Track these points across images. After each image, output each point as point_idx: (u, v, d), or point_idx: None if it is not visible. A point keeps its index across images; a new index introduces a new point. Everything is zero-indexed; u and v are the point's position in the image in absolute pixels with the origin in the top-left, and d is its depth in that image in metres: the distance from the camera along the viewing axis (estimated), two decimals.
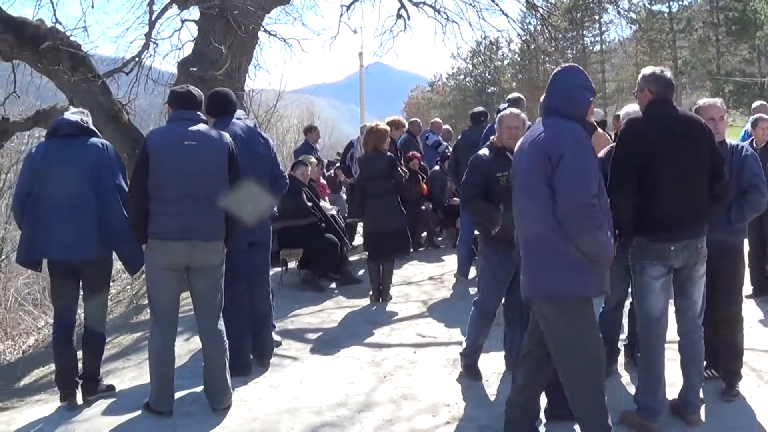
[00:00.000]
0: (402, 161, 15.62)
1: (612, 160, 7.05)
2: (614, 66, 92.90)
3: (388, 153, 12.65)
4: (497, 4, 20.04)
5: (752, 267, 11.86)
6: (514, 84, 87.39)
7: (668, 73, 7.07)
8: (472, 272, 13.30)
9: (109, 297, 9.11)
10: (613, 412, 7.10)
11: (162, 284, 7.42)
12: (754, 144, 11.58)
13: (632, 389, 7.83)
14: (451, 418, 7.62)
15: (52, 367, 9.26)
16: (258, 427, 7.37)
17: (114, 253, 8.16)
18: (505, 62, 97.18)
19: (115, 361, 9.80)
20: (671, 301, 7.03)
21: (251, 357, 9.04)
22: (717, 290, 7.41)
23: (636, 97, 7.20)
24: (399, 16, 19.88)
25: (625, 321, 8.73)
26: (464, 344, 8.82)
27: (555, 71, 6.29)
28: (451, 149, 16.42)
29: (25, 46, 14.31)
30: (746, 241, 9.37)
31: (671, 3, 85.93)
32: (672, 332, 7.20)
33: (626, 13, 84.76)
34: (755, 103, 14.39)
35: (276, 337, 9.74)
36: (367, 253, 12.89)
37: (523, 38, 34.62)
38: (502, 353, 8.88)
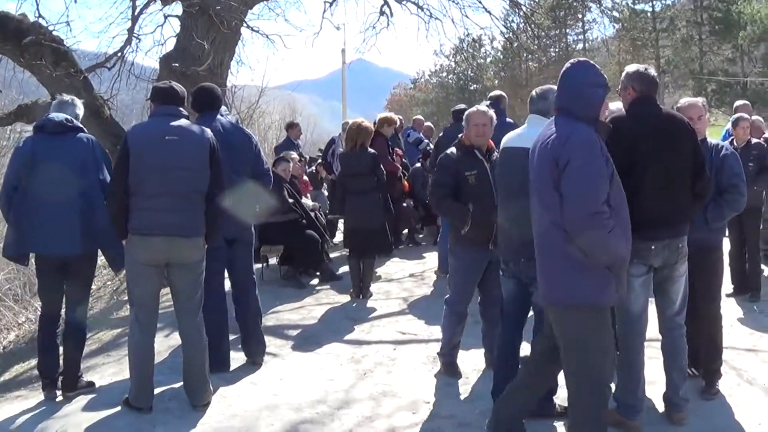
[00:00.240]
0: (393, 157, 15.67)
1: None
2: (597, 64, 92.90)
3: (371, 150, 12.66)
4: (480, 2, 19.90)
5: (732, 266, 11.94)
6: (496, 82, 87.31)
7: (652, 71, 7.06)
8: None
9: (90, 293, 9.07)
10: None
11: (142, 280, 7.42)
12: (735, 143, 11.63)
13: (611, 387, 7.87)
14: (431, 415, 7.63)
15: (33, 362, 9.26)
16: (237, 423, 7.37)
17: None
18: (488, 60, 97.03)
19: (95, 357, 9.78)
20: (652, 300, 7.06)
21: (248, 355, 9.10)
22: (696, 288, 7.42)
23: (620, 95, 7.19)
24: (382, 12, 19.87)
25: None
26: (440, 344, 8.85)
27: (565, 67, 6.12)
28: (432, 146, 16.44)
29: (7, 41, 14.25)
30: (727, 240, 9.42)
31: (654, 2, 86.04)
32: (652, 331, 7.23)
33: (609, 11, 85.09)
34: (737, 103, 14.43)
35: None
36: (347, 250, 12.89)
37: (506, 36, 34.70)
38: (482, 350, 8.91)
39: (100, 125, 14.48)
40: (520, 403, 6.72)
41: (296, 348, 9.92)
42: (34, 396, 8.25)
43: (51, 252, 7.94)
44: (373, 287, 12.92)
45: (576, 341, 5.93)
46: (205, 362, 7.70)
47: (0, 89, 17.18)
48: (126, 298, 8.84)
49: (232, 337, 9.10)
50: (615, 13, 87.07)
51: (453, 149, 8.53)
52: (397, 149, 17.01)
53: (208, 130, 7.67)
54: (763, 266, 12.55)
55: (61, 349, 8.17)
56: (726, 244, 9.53)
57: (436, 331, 8.99)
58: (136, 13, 15.39)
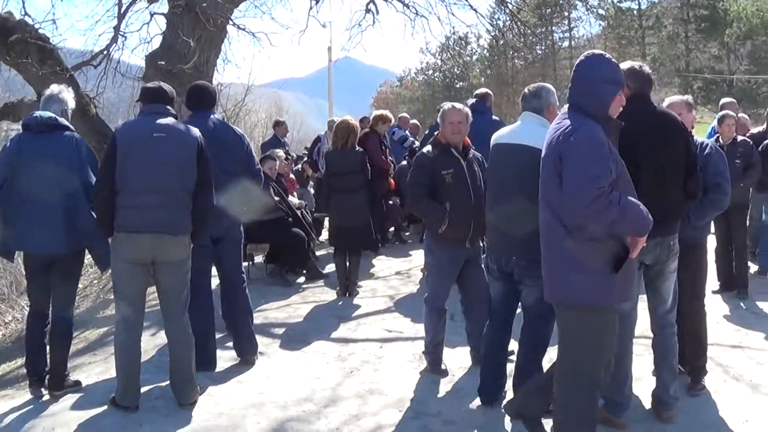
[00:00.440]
0: (386, 155, 15.67)
1: None
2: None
3: (359, 148, 12.67)
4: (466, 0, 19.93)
5: (718, 263, 11.99)
6: (482, 79, 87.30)
7: (647, 69, 7.06)
8: None
9: (77, 291, 9.07)
10: None
11: (128, 279, 7.41)
12: (720, 141, 11.67)
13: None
14: (417, 413, 7.64)
15: (19, 362, 9.25)
16: (224, 422, 7.37)
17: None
18: (474, 57, 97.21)
19: (81, 356, 9.76)
20: (642, 297, 7.08)
21: (239, 354, 9.11)
22: (681, 285, 7.43)
23: None
24: (368, 10, 19.83)
25: None
26: (424, 342, 8.88)
27: (579, 60, 6.00)
28: (418, 144, 16.46)
29: None
30: (712, 237, 9.45)
31: (641, 0, 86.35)
32: (639, 328, 7.26)
33: (595, 9, 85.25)
34: (723, 100, 14.50)
35: None
36: (333, 248, 12.91)
37: (492, 34, 34.80)
38: (468, 348, 8.93)
39: (86, 123, 14.46)
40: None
41: (283, 346, 9.92)
42: (21, 395, 8.23)
43: (36, 251, 7.97)
44: (359, 285, 12.93)
45: (573, 340, 5.92)
46: (191, 361, 7.69)
47: None
48: (113, 296, 8.83)
49: (218, 335, 9.11)
50: (601, 11, 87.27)
51: (429, 148, 8.53)
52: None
53: (196, 129, 7.67)
54: (749, 263, 12.57)
55: (48, 348, 8.17)
56: (711, 241, 9.57)
57: (423, 329, 8.99)
58: (122, 11, 15.38)
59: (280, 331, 10.61)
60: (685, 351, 7.85)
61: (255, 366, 9.00)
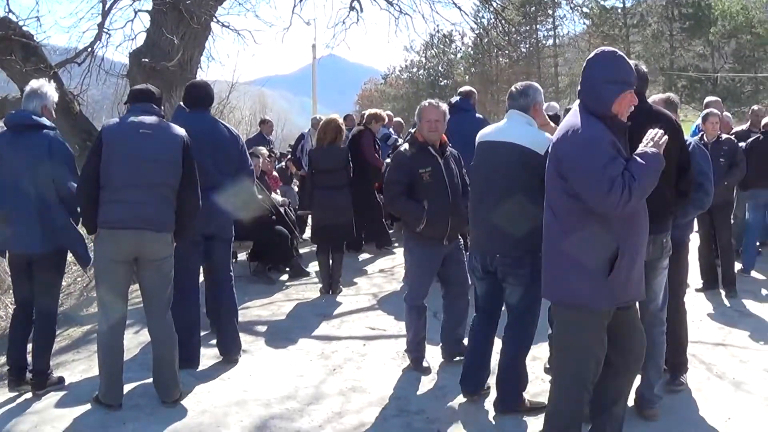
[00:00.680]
0: (379, 153, 15.64)
1: None
2: (567, 60, 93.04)
3: (342, 146, 12.69)
4: None
5: (702, 261, 12.02)
6: (467, 77, 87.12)
7: (643, 67, 7.06)
8: None
9: (60, 289, 9.06)
10: None
11: (111, 277, 7.42)
12: (705, 139, 11.71)
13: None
14: (400, 410, 7.66)
15: (1, 360, 9.22)
16: (207, 419, 7.38)
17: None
18: (458, 56, 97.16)
19: (65, 354, 9.74)
20: None
21: (223, 353, 9.10)
22: None
23: None
24: (352, 8, 19.86)
25: None
26: (406, 340, 8.91)
27: (588, 57, 6.00)
28: (402, 141, 16.47)
29: None
30: (696, 236, 9.48)
31: None
32: None
33: (579, 7, 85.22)
34: (708, 99, 14.53)
35: None
36: (316, 246, 12.91)
37: (477, 32, 34.76)
38: (464, 343, 8.93)
39: (69, 121, 14.45)
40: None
41: (266, 344, 9.92)
42: (4, 393, 8.20)
43: (14, 250, 8.06)
44: (343, 283, 12.92)
45: (564, 339, 5.96)
46: (174, 358, 7.71)
47: None
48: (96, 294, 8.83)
49: (201, 333, 9.10)
50: (585, 9, 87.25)
51: (406, 146, 8.56)
52: None
53: (182, 129, 7.71)
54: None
55: (30, 346, 8.17)
56: (694, 240, 9.60)
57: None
58: (106, 8, 15.41)
59: (264, 328, 10.61)
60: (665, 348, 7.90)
61: (238, 364, 8.99)
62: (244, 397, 7.96)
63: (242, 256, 14.30)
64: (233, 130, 9.22)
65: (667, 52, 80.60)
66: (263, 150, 15.13)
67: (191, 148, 7.61)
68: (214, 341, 9.24)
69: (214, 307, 9.19)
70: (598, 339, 5.85)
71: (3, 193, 7.86)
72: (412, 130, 13.31)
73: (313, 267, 13.84)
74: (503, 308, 7.70)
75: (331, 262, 12.61)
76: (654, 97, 7.94)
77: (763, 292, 12.37)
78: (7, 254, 8.22)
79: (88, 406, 7.58)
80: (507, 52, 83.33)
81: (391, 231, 17.93)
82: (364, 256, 15.76)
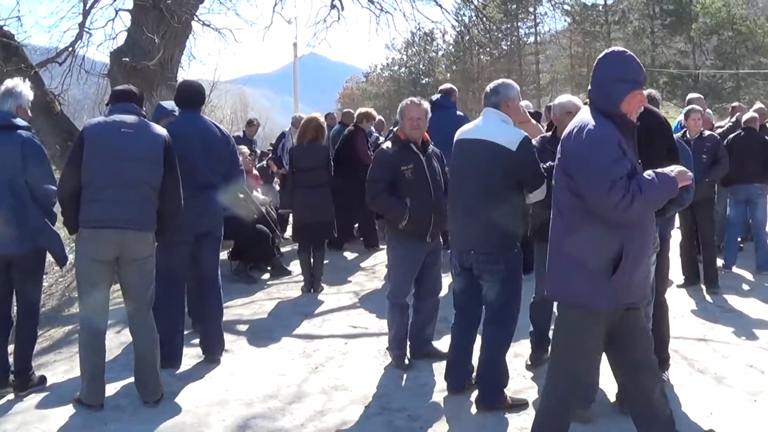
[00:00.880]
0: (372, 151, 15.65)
1: None
2: (548, 58, 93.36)
3: (324, 144, 12.70)
4: None
5: (683, 257, 12.06)
6: (448, 75, 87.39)
7: None
8: None
9: (41, 290, 9.05)
10: None
11: (92, 277, 7.41)
12: (688, 135, 11.76)
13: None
14: (382, 408, 7.67)
15: None
16: (189, 419, 7.38)
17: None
18: (440, 53, 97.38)
19: (46, 355, 9.73)
20: None
21: (205, 352, 9.08)
22: None
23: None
24: (333, 6, 19.83)
25: (555, 311, 8.82)
26: (388, 338, 8.93)
27: (599, 57, 5.97)
28: (383, 139, 16.47)
29: None
30: (677, 232, 9.50)
31: None
32: None
33: (560, 4, 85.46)
34: (690, 95, 14.58)
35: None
36: (298, 245, 12.91)
37: (458, 29, 34.76)
38: (434, 343, 8.98)
39: (50, 121, 14.41)
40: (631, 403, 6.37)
41: (247, 343, 9.91)
42: None
43: None
44: (324, 281, 12.93)
45: (563, 338, 5.93)
46: (156, 359, 7.71)
47: None
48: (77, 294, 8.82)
49: (184, 332, 9.09)
50: (566, 6, 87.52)
51: (389, 144, 8.59)
52: None
53: (163, 129, 7.76)
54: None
55: (12, 347, 8.15)
56: (676, 235, 9.64)
57: (387, 325, 9.03)
58: (87, 8, 15.38)
59: (245, 327, 10.60)
60: None
61: (220, 363, 8.98)
62: (225, 396, 7.96)
63: (223, 255, 14.22)
64: (224, 130, 9.24)
65: (648, 49, 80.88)
66: (244, 149, 15.09)
67: (172, 148, 7.62)
68: (195, 341, 9.23)
69: (199, 307, 9.18)
70: (595, 340, 5.82)
71: None
72: (395, 129, 13.36)
73: (295, 266, 13.83)
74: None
75: (312, 260, 12.61)
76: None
77: (745, 287, 12.46)
78: None
79: (70, 407, 7.56)
80: (488, 49, 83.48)
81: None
82: (346, 254, 15.78)
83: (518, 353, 8.79)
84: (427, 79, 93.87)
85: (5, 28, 14.71)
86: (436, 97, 12.40)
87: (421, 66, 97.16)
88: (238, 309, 11.51)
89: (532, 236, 8.34)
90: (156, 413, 7.48)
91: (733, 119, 14.98)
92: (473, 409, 7.45)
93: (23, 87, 8.30)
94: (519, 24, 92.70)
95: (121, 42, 15.96)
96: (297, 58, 53.42)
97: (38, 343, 8.89)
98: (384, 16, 20.17)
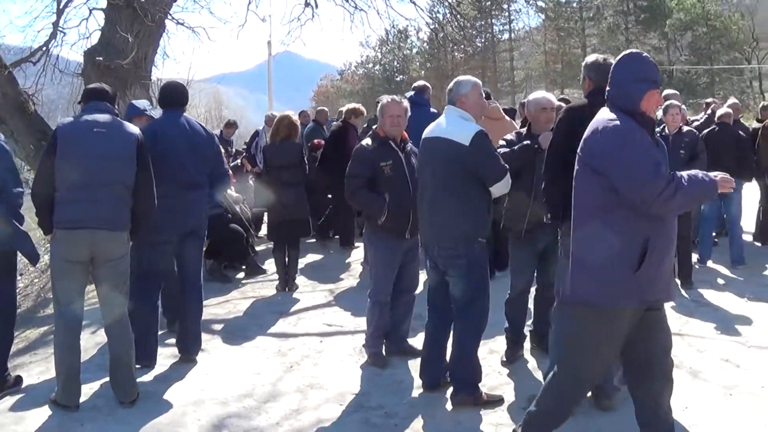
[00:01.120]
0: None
1: (548, 147, 7.31)
2: (523, 54, 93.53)
3: (297, 142, 12.71)
4: None
5: None
6: (422, 72, 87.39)
7: (612, 61, 7.15)
8: None
9: (17, 291, 9.03)
10: (523, 396, 7.39)
11: (67, 277, 7.40)
12: (666, 131, 11.80)
13: (539, 374, 7.96)
14: (358, 406, 7.68)
15: None
16: (165, 419, 7.38)
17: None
18: (414, 51, 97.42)
19: (22, 356, 9.69)
20: None
21: (182, 351, 9.05)
22: None
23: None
24: (307, 4, 19.78)
25: (531, 307, 8.84)
26: (365, 336, 8.95)
27: (616, 60, 6.04)
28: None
29: None
30: None
31: None
32: None
33: (534, 1, 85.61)
34: (666, 91, 14.60)
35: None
36: (273, 243, 12.91)
37: (432, 27, 34.76)
38: (409, 340, 9.02)
39: (24, 121, 14.34)
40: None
41: (223, 342, 9.91)
42: None
43: None
44: (299, 280, 12.97)
45: (576, 338, 5.91)
46: (131, 359, 7.70)
47: None
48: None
49: (159, 332, 9.08)
50: (540, 3, 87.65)
51: (368, 140, 8.64)
52: (321, 140, 16.98)
53: (136, 128, 7.77)
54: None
55: None
56: None
57: (363, 323, 9.05)
58: (61, 7, 15.28)
59: (220, 327, 10.61)
60: None
61: (196, 363, 8.98)
62: (201, 396, 7.95)
63: None
64: (208, 130, 9.27)
65: (622, 45, 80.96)
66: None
67: (145, 146, 7.63)
68: (170, 340, 9.24)
69: (179, 306, 9.11)
70: (616, 341, 5.81)
71: None
72: (365, 126, 13.34)
73: (270, 264, 13.86)
74: None
75: (287, 259, 12.62)
76: None
77: (720, 282, 12.55)
78: None
79: (45, 408, 7.54)
80: (462, 46, 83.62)
81: None
82: (321, 253, 15.83)
83: (493, 350, 8.83)
84: (401, 76, 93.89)
85: None
86: (410, 94, 12.40)
87: (395, 64, 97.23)
88: (213, 308, 11.49)
89: (506, 232, 8.40)
90: (132, 414, 7.47)
91: (707, 114, 15.05)
92: (449, 406, 7.47)
93: None
94: (493, 21, 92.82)
95: (95, 41, 15.90)
96: (271, 57, 53.39)
97: (14, 344, 8.85)
98: (358, 13, 20.13)
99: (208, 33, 19.55)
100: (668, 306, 10.46)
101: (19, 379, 8.28)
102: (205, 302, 9.49)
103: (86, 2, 16.32)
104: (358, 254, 14.74)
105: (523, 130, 8.65)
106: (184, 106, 9.08)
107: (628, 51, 6.06)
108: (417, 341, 8.77)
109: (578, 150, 5.82)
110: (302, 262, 13.50)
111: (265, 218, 15.20)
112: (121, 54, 14.71)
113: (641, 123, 5.61)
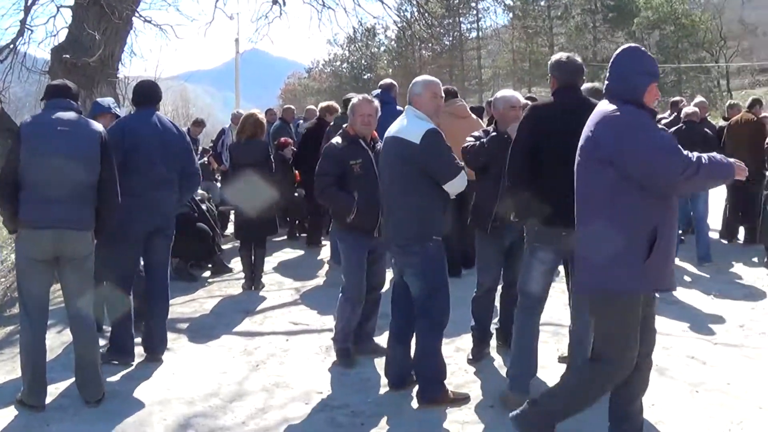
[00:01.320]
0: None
1: (512, 144, 7.28)
2: (490, 53, 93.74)
3: (263, 140, 12.70)
4: None
5: None
6: (390, 70, 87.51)
7: (577, 59, 7.19)
8: None
9: None
10: (490, 394, 7.41)
11: (32, 276, 7.38)
12: None
13: (504, 372, 7.98)
14: (324, 405, 7.69)
15: None
16: (131, 419, 7.35)
17: None
18: (381, 49, 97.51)
19: None
20: (553, 284, 7.23)
21: (147, 351, 9.03)
22: None
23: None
24: (274, 2, 19.77)
25: (497, 305, 8.86)
26: (334, 330, 8.93)
27: (615, 53, 6.08)
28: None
29: None
30: None
31: None
32: (545, 315, 7.48)
33: (502, 0, 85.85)
34: None
35: None
36: (239, 242, 12.91)
37: (399, 25, 34.79)
38: (377, 339, 9.03)
39: None
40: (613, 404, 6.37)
41: (188, 341, 9.90)
42: None
43: None
44: (265, 278, 12.96)
45: (605, 331, 5.92)
46: (97, 358, 7.68)
47: None
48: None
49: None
50: (508, 1, 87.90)
51: (338, 139, 8.65)
52: (287, 139, 16.97)
53: (99, 125, 7.73)
54: None
55: None
56: None
57: (329, 321, 9.07)
58: (28, 4, 15.24)
59: (186, 325, 10.59)
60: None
61: (162, 362, 8.95)
62: (167, 395, 7.93)
63: None
64: (179, 127, 9.29)
65: (590, 44, 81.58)
66: None
67: (109, 145, 7.60)
68: (136, 339, 9.14)
69: (145, 305, 9.10)
70: (637, 328, 5.86)
71: None
72: (332, 124, 13.35)
73: (236, 263, 13.84)
74: None
75: (253, 257, 12.63)
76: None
77: (686, 279, 12.65)
78: None
79: (11, 408, 7.51)
80: (430, 45, 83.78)
81: None
82: (286, 250, 15.84)
83: (460, 347, 8.86)
84: (368, 74, 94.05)
85: None
86: (376, 92, 12.41)
87: (363, 62, 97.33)
88: (178, 307, 11.45)
89: (473, 227, 8.45)
90: (98, 413, 7.44)
91: (675, 113, 15.13)
92: (414, 404, 7.50)
93: None
94: (461, 19, 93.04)
95: (63, 39, 15.85)
96: (239, 54, 53.42)
97: None
98: (326, 11, 20.15)
99: (175, 30, 19.60)
100: None
101: None
102: (171, 301, 9.46)
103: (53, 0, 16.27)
104: (324, 253, 14.76)
105: (490, 128, 8.68)
106: (157, 104, 9.09)
107: (627, 45, 6.18)
108: (383, 339, 8.77)
109: (579, 145, 5.89)
110: (269, 261, 13.48)
111: (232, 217, 15.15)
112: (89, 51, 14.65)
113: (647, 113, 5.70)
